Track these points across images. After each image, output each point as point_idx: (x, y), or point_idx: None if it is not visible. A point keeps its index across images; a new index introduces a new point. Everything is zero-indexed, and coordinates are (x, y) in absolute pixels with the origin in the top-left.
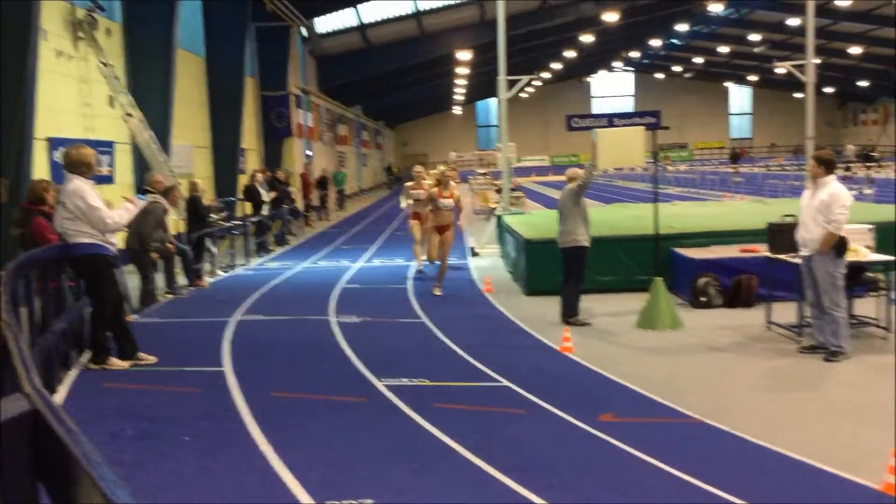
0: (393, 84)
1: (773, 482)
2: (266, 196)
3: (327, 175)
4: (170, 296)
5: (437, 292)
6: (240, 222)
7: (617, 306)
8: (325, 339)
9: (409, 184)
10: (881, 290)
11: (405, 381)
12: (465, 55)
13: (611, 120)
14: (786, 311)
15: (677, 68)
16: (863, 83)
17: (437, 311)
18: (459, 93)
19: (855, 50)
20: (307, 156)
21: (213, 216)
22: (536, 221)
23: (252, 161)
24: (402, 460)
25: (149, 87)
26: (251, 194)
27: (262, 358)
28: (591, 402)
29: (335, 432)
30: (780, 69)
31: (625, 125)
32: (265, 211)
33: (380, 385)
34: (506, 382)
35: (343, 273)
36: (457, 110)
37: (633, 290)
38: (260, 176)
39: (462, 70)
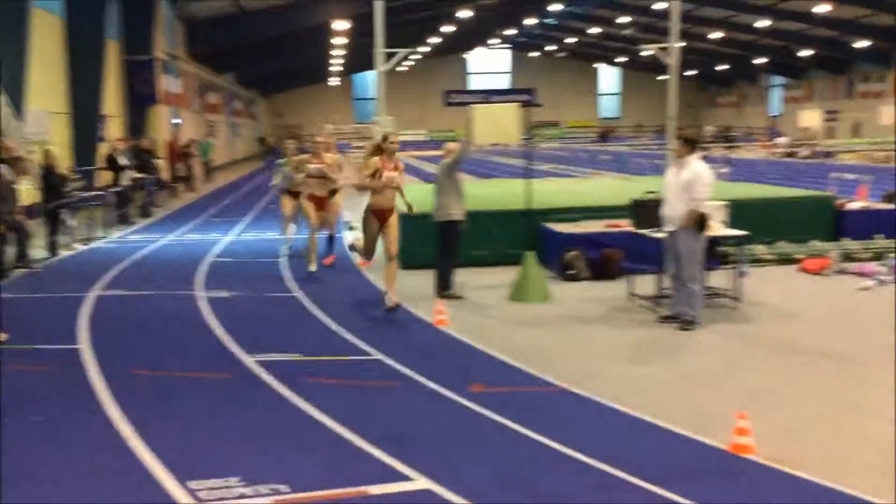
0: (267, 52)
1: (629, 444)
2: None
3: (191, 145)
4: (22, 270)
5: (391, 303)
6: (100, 192)
7: (490, 280)
8: (192, 315)
9: (302, 156)
10: (733, 263)
11: (276, 357)
12: (342, 25)
13: (487, 96)
14: (647, 284)
15: (551, 47)
16: (722, 67)
17: (310, 286)
18: (336, 64)
19: (715, 35)
20: (175, 124)
21: (70, 186)
22: (411, 195)
23: (114, 129)
24: (271, 437)
25: (0, 47)
26: (112, 163)
27: (122, 335)
28: (462, 373)
29: (200, 410)
30: (647, 52)
31: (501, 102)
32: (126, 181)
33: (249, 361)
34: (379, 356)
35: (212, 246)
36: (334, 82)
37: (506, 264)
38: (121, 145)
39: (339, 41)
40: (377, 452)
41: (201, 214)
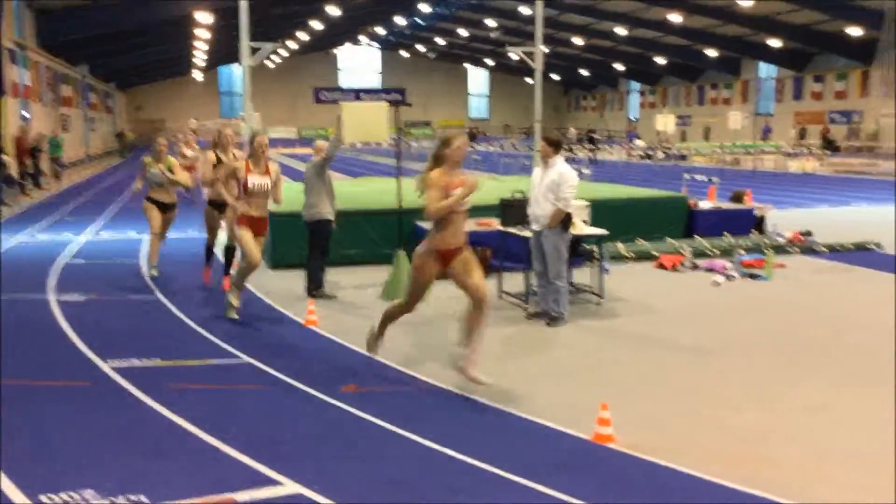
0: (124, 44)
1: (500, 440)
2: None
3: (38, 140)
4: None
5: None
6: None
7: (362, 279)
8: (43, 320)
9: (208, 153)
10: (595, 260)
11: (136, 363)
12: (205, 17)
13: (358, 94)
14: (515, 281)
15: (421, 48)
16: (584, 72)
17: (171, 287)
18: (200, 57)
19: (578, 41)
20: (24, 118)
21: None
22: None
23: None
24: (129, 446)
25: None
26: None
27: None
28: (333, 374)
29: (53, 421)
30: (513, 55)
31: (372, 100)
32: None
33: (106, 368)
34: (246, 358)
35: (66, 247)
36: (198, 76)
37: (378, 263)
38: None
39: (202, 33)
40: (244, 458)
41: (53, 214)
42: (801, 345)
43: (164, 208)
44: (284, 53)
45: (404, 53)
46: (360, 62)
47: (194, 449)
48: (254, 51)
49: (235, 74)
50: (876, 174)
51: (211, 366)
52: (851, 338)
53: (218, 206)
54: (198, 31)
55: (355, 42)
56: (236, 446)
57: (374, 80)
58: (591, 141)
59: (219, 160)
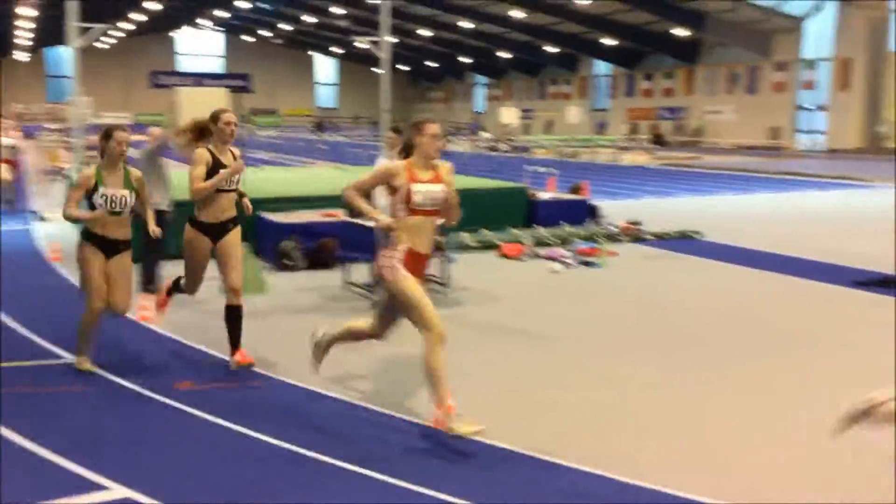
0: None
1: (341, 430)
2: None
3: None
4: None
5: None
6: None
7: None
8: None
9: (199, 150)
10: (440, 250)
11: None
12: None
13: (200, 80)
14: (362, 272)
15: (266, 33)
16: (432, 64)
17: None
18: (24, 37)
19: (425, 32)
20: None
21: None
22: None
23: None
24: None
25: None
26: None
27: None
28: (168, 371)
29: None
30: (360, 44)
31: (213, 86)
32: None
33: None
34: (70, 358)
35: None
36: (21, 56)
37: None
38: None
39: (25, 11)
40: (67, 463)
41: None
42: (630, 327)
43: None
44: (118, 35)
45: (249, 38)
46: (201, 46)
47: (11, 455)
48: (83, 31)
49: (64, 56)
50: (699, 167)
51: (30, 367)
52: (676, 320)
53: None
54: (21, 9)
55: (195, 26)
56: (58, 451)
57: (216, 66)
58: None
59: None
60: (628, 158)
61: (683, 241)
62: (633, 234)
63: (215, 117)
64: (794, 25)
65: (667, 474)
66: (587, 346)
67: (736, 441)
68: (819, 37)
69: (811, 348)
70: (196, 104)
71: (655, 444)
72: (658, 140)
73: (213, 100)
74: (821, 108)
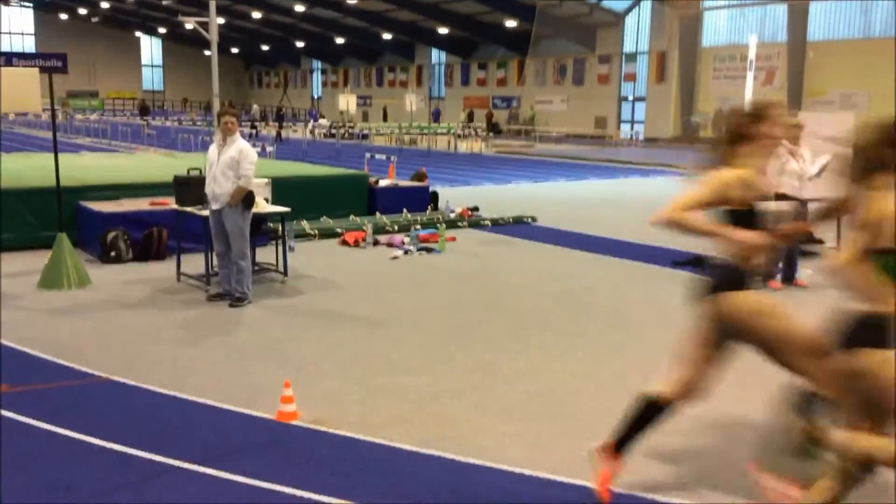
0: None
1: (177, 428)
2: None
3: None
4: None
5: None
6: None
7: (18, 266)
8: None
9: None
10: (279, 238)
11: None
12: None
13: (9, 59)
14: (195, 262)
15: (83, 11)
16: (265, 47)
17: None
18: None
19: (256, 14)
20: None
21: None
22: None
23: None
24: None
25: None
26: None
27: None
28: None
29: None
30: (188, 24)
31: (24, 66)
32: None
33: None
34: None
35: None
36: None
37: (37, 248)
38: None
39: None
40: None
41: None
42: (467, 310)
43: None
44: None
45: (64, 16)
46: (10, 23)
47: None
48: None
49: None
50: (533, 155)
51: None
52: (509, 302)
53: None
54: None
55: (4, 2)
56: None
57: (27, 45)
58: (280, 119)
59: None
60: (465, 146)
61: (519, 226)
62: (472, 220)
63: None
64: (615, 20)
65: (500, 451)
66: (426, 330)
67: (563, 416)
68: (638, 31)
69: (634, 324)
70: (6, 85)
71: (491, 423)
72: (493, 128)
73: (23, 80)
74: (640, 99)
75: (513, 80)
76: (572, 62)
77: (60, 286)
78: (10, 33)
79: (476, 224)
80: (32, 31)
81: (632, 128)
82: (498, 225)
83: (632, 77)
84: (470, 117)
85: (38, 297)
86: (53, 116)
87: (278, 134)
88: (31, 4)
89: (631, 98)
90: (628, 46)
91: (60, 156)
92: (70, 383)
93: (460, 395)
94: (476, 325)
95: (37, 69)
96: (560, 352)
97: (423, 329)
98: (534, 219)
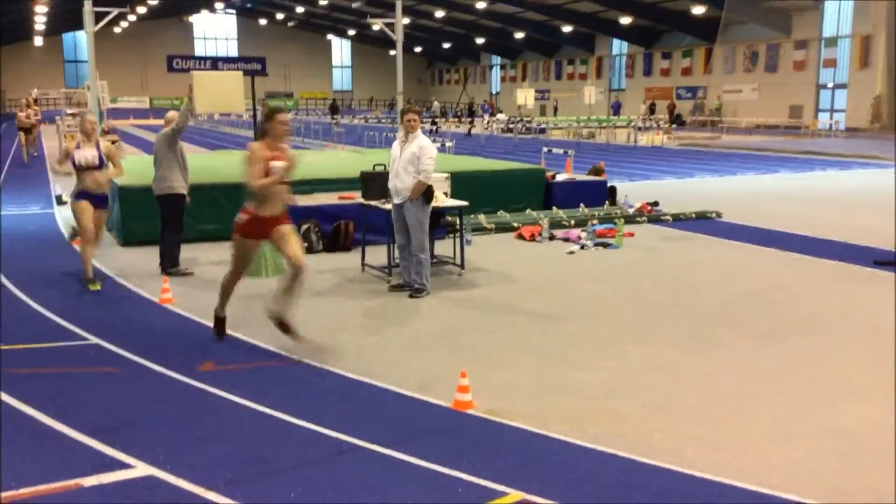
0: None
1: (362, 411)
2: None
3: None
4: None
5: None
6: None
7: (221, 255)
8: None
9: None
10: (456, 232)
11: None
12: None
13: (215, 63)
14: (378, 254)
15: (280, 16)
16: (446, 45)
17: (14, 267)
18: (40, 22)
19: (439, 13)
20: None
21: None
22: (132, 167)
23: None
24: None
25: None
26: None
27: None
28: (190, 353)
29: None
30: (375, 26)
31: (228, 70)
32: None
33: None
34: (95, 340)
35: None
36: (38, 42)
37: None
38: None
39: None
40: (92, 442)
41: None
42: (646, 307)
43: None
44: (133, 18)
45: (263, 21)
46: (216, 30)
47: (37, 435)
48: (99, 16)
49: (81, 41)
50: (719, 147)
51: (56, 348)
52: (692, 300)
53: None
54: None
55: (211, 9)
56: (83, 430)
57: (231, 49)
58: (471, 114)
59: None
60: (645, 139)
61: (702, 222)
62: (651, 215)
63: (270, 116)
64: (814, 3)
65: (680, 454)
66: (602, 327)
67: (748, 421)
68: (839, 14)
69: (830, 329)
70: (213, 88)
71: (669, 423)
72: (676, 119)
73: (230, 83)
74: (840, 86)
75: (698, 70)
76: (765, 48)
77: (259, 274)
78: (215, 38)
79: (656, 219)
80: (235, 36)
81: (831, 117)
82: (679, 220)
83: (832, 63)
84: (651, 109)
85: (240, 284)
86: (255, 117)
87: (469, 130)
88: (234, 11)
89: (830, 85)
90: (828, 30)
91: None
92: (266, 363)
93: (637, 393)
94: (655, 323)
95: (241, 73)
96: (747, 354)
97: (598, 325)
98: (719, 214)
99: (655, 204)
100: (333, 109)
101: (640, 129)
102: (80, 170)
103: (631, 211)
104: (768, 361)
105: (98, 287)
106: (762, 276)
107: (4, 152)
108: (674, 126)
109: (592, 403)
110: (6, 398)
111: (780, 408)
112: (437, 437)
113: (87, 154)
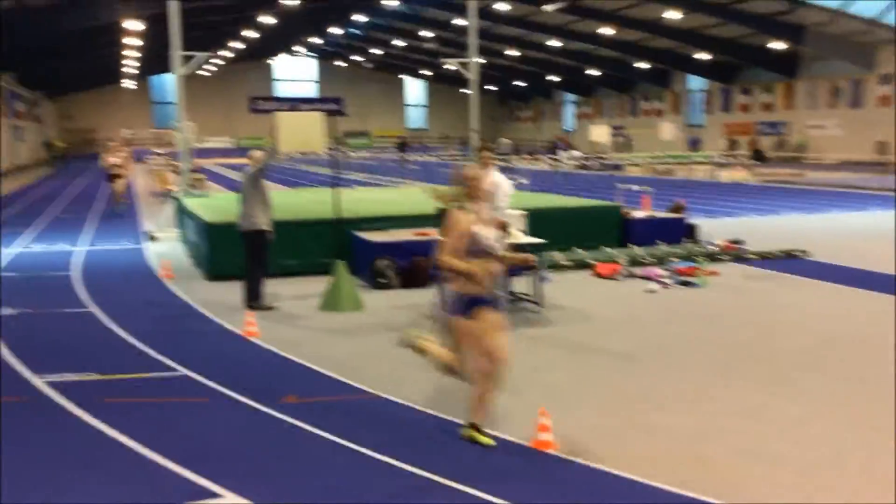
0: (52, 52)
1: (441, 447)
2: None
3: None
4: None
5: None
6: None
7: (301, 289)
8: None
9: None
10: (533, 269)
11: (70, 377)
12: (135, 25)
13: (294, 104)
14: None
15: (358, 58)
16: (520, 83)
17: (107, 300)
18: (131, 66)
19: (513, 52)
20: None
21: None
22: (218, 204)
23: None
24: (65, 461)
25: None
26: None
27: None
28: (274, 385)
29: None
30: (449, 66)
31: (308, 110)
32: None
33: (40, 383)
34: (184, 371)
35: None
36: (129, 84)
37: (317, 274)
38: None
39: (133, 41)
40: (182, 470)
41: None
42: (731, 349)
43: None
44: (219, 62)
45: (341, 63)
46: (295, 72)
47: (132, 462)
48: (186, 59)
49: (168, 83)
50: (803, 184)
51: (148, 379)
52: (779, 342)
53: None
54: (127, 40)
55: (291, 52)
56: (174, 459)
57: (310, 90)
58: (554, 150)
59: None
60: (726, 175)
61: (789, 261)
62: (735, 253)
63: (464, 178)
64: None
65: (767, 500)
66: (685, 368)
67: (845, 468)
68: None
69: None
70: (295, 128)
71: (761, 470)
72: (758, 156)
73: (310, 123)
74: None
75: (779, 105)
76: (848, 83)
77: (339, 309)
78: (294, 80)
79: (740, 258)
80: (314, 77)
81: None
82: (765, 259)
83: None
84: (731, 145)
85: (319, 318)
86: (335, 156)
87: (553, 167)
88: (315, 55)
89: None
90: None
91: (336, 190)
92: (347, 398)
93: (724, 437)
94: (740, 366)
95: (320, 113)
96: (840, 399)
97: (681, 366)
98: (805, 253)
99: (739, 242)
100: (401, 146)
101: (719, 165)
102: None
103: (713, 249)
104: (862, 407)
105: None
106: (851, 317)
107: (89, 194)
108: (755, 162)
109: (679, 447)
110: (102, 427)
111: (878, 455)
112: (516, 476)
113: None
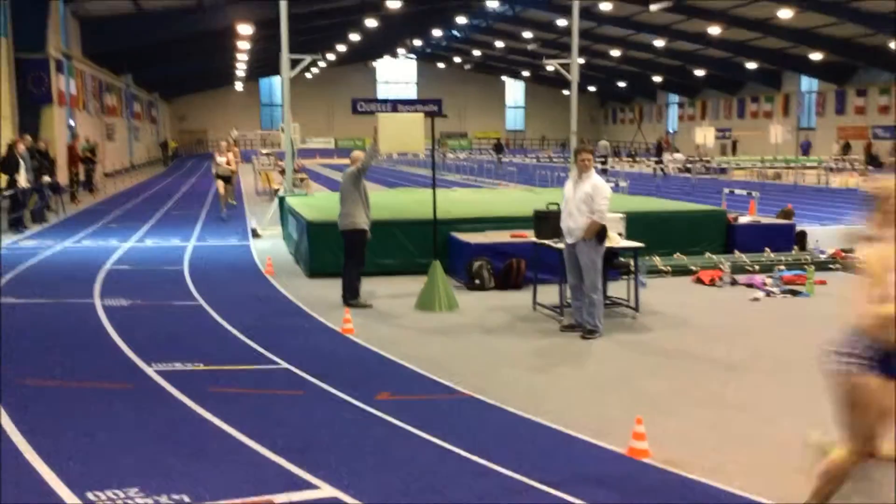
0: (168, 55)
1: (532, 449)
2: (22, 170)
3: (80, 148)
4: None
5: None
6: None
7: (398, 288)
8: (89, 324)
9: None
10: (631, 273)
11: (178, 366)
12: (246, 29)
13: (395, 105)
14: (549, 293)
15: (458, 59)
16: (621, 84)
17: (214, 293)
18: (241, 69)
19: (615, 52)
20: (70, 126)
21: None
22: (319, 203)
23: (6, 130)
24: (171, 447)
25: None
26: (8, 165)
27: (14, 344)
28: (369, 381)
29: (98, 421)
30: (550, 67)
31: (408, 111)
32: (23, 183)
33: (150, 371)
34: (284, 364)
35: (111, 253)
36: (239, 87)
37: (414, 273)
38: (21, 146)
39: (244, 45)
40: (282, 461)
41: (100, 220)
42: None
43: None
44: (322, 65)
45: (441, 65)
46: (397, 73)
47: (234, 451)
48: (294, 63)
49: (275, 85)
50: None
51: (251, 371)
52: None
53: None
54: (240, 43)
55: (393, 54)
56: (274, 449)
57: (410, 91)
58: (659, 152)
59: None
60: (838, 180)
61: None
62: (846, 262)
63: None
64: None
65: None
66: (789, 378)
67: None
68: None
69: None
70: (395, 129)
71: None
72: (873, 161)
73: (411, 124)
74: None
75: None
76: None
77: (434, 309)
78: (396, 82)
79: (851, 267)
80: (415, 79)
81: None
82: None
83: None
84: (845, 149)
85: (414, 317)
86: (433, 156)
87: (656, 170)
88: (414, 56)
89: None
90: None
91: (435, 191)
92: (440, 396)
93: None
94: None
95: (422, 115)
96: None
97: (785, 377)
98: None
99: (850, 250)
100: (497, 148)
101: (832, 169)
102: None
103: (823, 257)
104: None
105: None
106: None
107: (200, 192)
108: (870, 167)
109: (781, 460)
110: (207, 415)
111: None
112: (612, 484)
113: None
